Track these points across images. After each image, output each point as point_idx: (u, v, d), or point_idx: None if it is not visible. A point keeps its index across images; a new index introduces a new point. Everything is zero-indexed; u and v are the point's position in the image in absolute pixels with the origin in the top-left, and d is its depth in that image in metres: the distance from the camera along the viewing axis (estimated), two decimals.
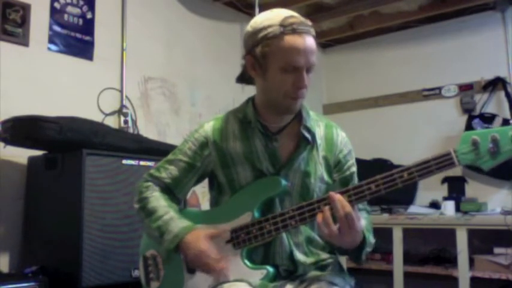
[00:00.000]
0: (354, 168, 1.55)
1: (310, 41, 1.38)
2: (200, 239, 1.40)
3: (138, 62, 3.13)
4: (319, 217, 1.29)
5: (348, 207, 1.26)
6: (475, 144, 1.22)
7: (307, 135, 1.48)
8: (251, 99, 1.54)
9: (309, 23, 1.40)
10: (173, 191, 1.56)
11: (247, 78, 1.52)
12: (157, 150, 2.39)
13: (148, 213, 1.50)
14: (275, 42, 1.36)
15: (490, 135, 1.21)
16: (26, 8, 2.58)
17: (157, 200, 1.51)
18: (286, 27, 1.36)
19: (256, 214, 1.43)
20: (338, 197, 1.28)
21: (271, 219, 1.40)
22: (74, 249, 2.07)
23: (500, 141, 1.20)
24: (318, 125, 1.54)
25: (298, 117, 1.50)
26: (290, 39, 1.35)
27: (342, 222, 1.26)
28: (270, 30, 1.37)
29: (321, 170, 1.49)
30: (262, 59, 1.39)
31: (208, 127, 1.55)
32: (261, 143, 1.48)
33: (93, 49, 2.89)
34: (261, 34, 1.39)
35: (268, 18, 1.40)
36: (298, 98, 1.42)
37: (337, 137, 1.55)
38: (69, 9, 2.80)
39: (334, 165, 1.52)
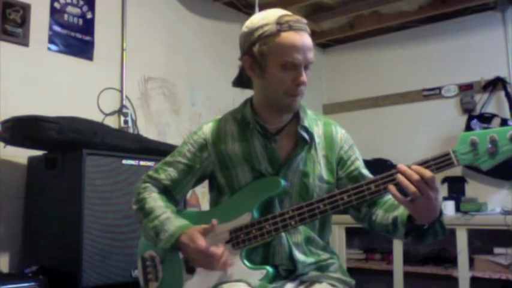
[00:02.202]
0: (359, 162, 1.55)
1: (307, 38, 1.39)
2: (195, 238, 1.38)
3: (138, 62, 3.13)
4: (391, 187, 1.26)
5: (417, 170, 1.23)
6: (473, 144, 1.23)
7: (304, 135, 1.48)
8: (249, 100, 1.54)
9: (304, 20, 1.41)
10: (172, 193, 1.55)
11: (244, 80, 1.52)
12: (157, 150, 2.39)
13: (145, 214, 1.49)
14: (273, 40, 1.37)
15: (489, 135, 1.22)
16: (26, 8, 2.58)
17: (155, 201, 1.51)
18: (283, 25, 1.37)
19: (256, 214, 1.43)
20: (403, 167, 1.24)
21: (270, 219, 1.40)
22: (74, 249, 2.08)
23: (499, 141, 1.21)
24: (317, 124, 1.54)
25: (297, 117, 1.50)
26: (287, 36, 1.36)
27: (420, 185, 1.22)
28: (266, 28, 1.38)
29: (320, 169, 1.49)
30: (261, 57, 1.40)
31: (207, 129, 1.55)
32: (259, 143, 1.48)
33: (93, 49, 2.90)
34: (258, 33, 1.39)
35: (264, 17, 1.41)
36: (298, 95, 1.42)
37: (336, 134, 1.55)
38: (69, 9, 2.80)
39: (337, 163, 1.52)
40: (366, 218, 1.51)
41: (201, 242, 1.37)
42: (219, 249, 1.37)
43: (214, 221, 1.39)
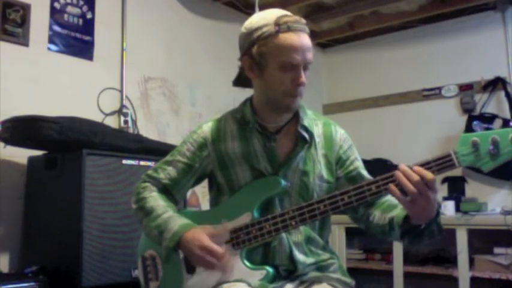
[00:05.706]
0: (358, 162, 1.55)
1: (305, 39, 1.39)
2: (201, 236, 1.39)
3: (138, 62, 3.13)
4: (392, 186, 1.26)
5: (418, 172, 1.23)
6: (475, 145, 1.23)
7: (304, 134, 1.48)
8: (249, 100, 1.55)
9: (303, 21, 1.41)
10: (171, 192, 1.55)
11: (244, 80, 1.52)
12: (157, 150, 2.39)
13: (146, 213, 1.49)
14: (271, 41, 1.37)
15: (490, 137, 1.21)
16: (26, 8, 2.58)
17: (156, 200, 1.51)
18: (281, 26, 1.37)
19: (256, 214, 1.43)
20: (403, 167, 1.24)
21: (271, 219, 1.40)
22: (74, 249, 2.07)
23: (500, 143, 1.21)
24: (316, 123, 1.54)
25: (296, 116, 1.51)
26: (286, 37, 1.37)
27: (419, 186, 1.21)
28: (265, 29, 1.38)
29: (320, 169, 1.49)
30: (260, 58, 1.40)
31: (207, 128, 1.55)
32: (259, 143, 1.48)
33: (93, 49, 2.89)
34: (257, 34, 1.40)
35: (263, 18, 1.42)
36: (297, 96, 1.42)
37: (335, 133, 1.55)
38: (69, 9, 2.80)
39: (336, 162, 1.52)
40: (363, 219, 1.51)
41: (206, 239, 1.38)
42: (221, 249, 1.37)
43: (225, 234, 1.42)
